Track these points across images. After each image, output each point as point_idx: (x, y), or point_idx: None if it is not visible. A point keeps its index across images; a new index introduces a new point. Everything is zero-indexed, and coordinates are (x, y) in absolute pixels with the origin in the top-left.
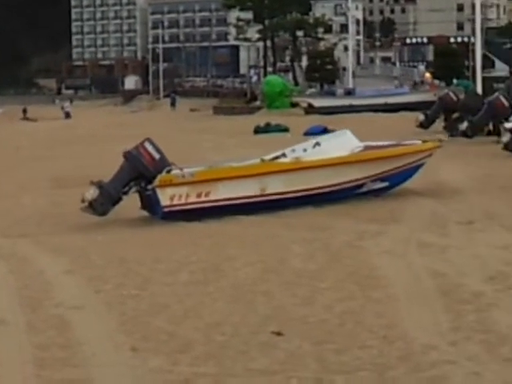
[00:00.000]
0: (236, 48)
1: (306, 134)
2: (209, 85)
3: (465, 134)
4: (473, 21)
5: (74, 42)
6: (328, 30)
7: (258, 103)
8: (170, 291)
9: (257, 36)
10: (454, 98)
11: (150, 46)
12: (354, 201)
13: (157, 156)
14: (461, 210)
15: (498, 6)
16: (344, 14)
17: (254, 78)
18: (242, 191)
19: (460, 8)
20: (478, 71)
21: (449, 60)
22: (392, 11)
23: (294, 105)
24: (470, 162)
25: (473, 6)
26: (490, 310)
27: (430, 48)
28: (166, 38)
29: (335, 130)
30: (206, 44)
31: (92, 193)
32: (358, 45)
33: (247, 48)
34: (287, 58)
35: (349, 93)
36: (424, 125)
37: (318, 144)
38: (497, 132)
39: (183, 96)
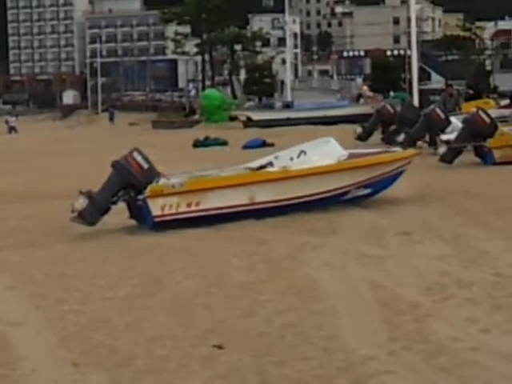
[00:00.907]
0: (174, 62)
1: (244, 147)
2: (147, 99)
3: (402, 145)
4: (409, 34)
5: (11, 57)
6: (266, 43)
7: (196, 117)
8: (111, 306)
9: (195, 50)
10: (391, 110)
11: (87, 61)
12: (294, 213)
13: (145, 166)
14: (398, 222)
15: (433, 19)
16: (281, 28)
17: (193, 92)
18: (232, 200)
19: (396, 21)
20: (415, 84)
21: (386, 73)
22: (329, 25)
23: (233, 118)
24: (406, 173)
25: (408, 20)
26: (427, 321)
27: (367, 61)
28: (104, 53)
29: (274, 143)
30: (144, 58)
31: (81, 202)
32: (296, 58)
33: (185, 62)
34: (225, 72)
35: (287, 106)
36: (362, 137)
37: (303, 152)
38: (433, 143)
39: (122, 110)
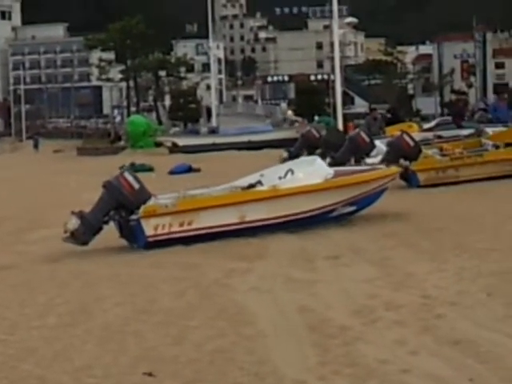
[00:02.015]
0: (99, 88)
1: (171, 172)
2: (72, 126)
3: None
4: (332, 59)
5: None
6: (190, 69)
7: (122, 143)
8: (38, 335)
9: (119, 76)
10: (316, 134)
11: (11, 88)
12: (222, 238)
13: (136, 186)
14: (326, 245)
15: (355, 44)
16: (205, 53)
17: (118, 118)
18: (223, 219)
19: (319, 46)
20: (339, 108)
21: (310, 97)
22: (253, 50)
23: (159, 144)
24: None
25: (331, 45)
26: (356, 344)
27: (292, 86)
28: (28, 80)
29: (200, 168)
30: (68, 85)
31: (74, 223)
32: (221, 83)
33: (110, 88)
34: (150, 98)
35: (212, 131)
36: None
37: (291, 171)
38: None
39: (46, 137)
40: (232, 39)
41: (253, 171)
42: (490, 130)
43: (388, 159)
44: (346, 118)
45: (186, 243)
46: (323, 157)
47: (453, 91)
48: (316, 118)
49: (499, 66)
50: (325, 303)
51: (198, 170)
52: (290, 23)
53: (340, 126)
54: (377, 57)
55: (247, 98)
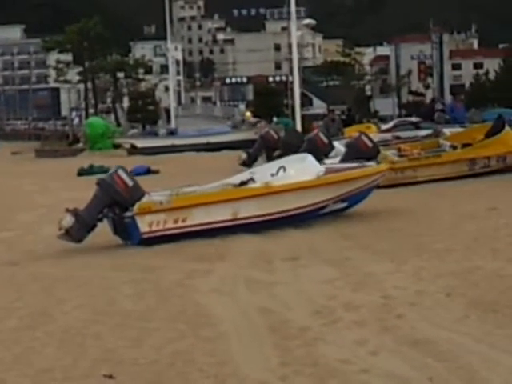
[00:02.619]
0: (56, 90)
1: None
2: (30, 128)
3: None
4: (290, 60)
5: None
6: (148, 70)
7: (80, 145)
8: None
9: (77, 78)
10: (275, 135)
11: None
12: (182, 240)
13: (130, 183)
14: (285, 247)
15: (313, 45)
16: (164, 55)
17: (76, 120)
18: (216, 216)
19: (277, 48)
20: (297, 109)
21: (268, 98)
22: (211, 52)
23: (117, 146)
24: None
25: (289, 46)
26: (316, 344)
27: (250, 87)
28: None
29: (159, 170)
30: (25, 87)
31: (68, 220)
32: (179, 85)
33: (68, 90)
34: (108, 100)
35: (171, 133)
36: (247, 163)
37: (282, 168)
38: None
39: (4, 139)
40: (190, 41)
41: (212, 172)
42: (447, 131)
43: (346, 160)
44: (304, 119)
45: (179, 239)
46: (282, 158)
47: (410, 92)
48: (274, 119)
49: (456, 67)
50: (285, 304)
51: (156, 172)
52: (248, 25)
53: (298, 128)
54: (335, 58)
55: (206, 99)
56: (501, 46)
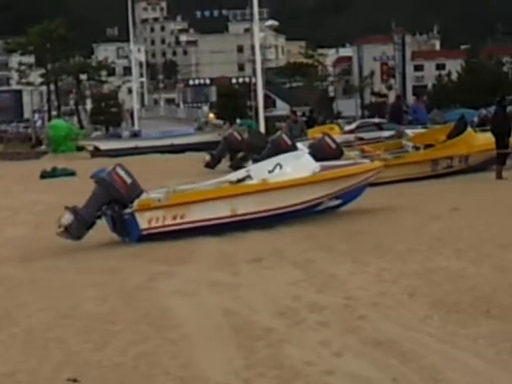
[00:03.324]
0: (19, 92)
1: (92, 176)
2: None
3: None
4: (253, 62)
5: None
6: (111, 72)
7: (43, 148)
8: None
9: (40, 80)
10: (239, 137)
11: None
12: (145, 242)
13: (129, 181)
14: (249, 248)
15: (276, 47)
16: (126, 57)
17: (39, 123)
18: (214, 213)
19: (240, 49)
20: (261, 111)
21: (231, 100)
22: (174, 53)
23: (80, 148)
24: None
25: (252, 48)
26: (281, 346)
27: (213, 89)
28: None
29: None
30: None
31: (67, 218)
32: (142, 87)
33: (30, 92)
34: (71, 102)
35: (135, 135)
36: (210, 164)
37: (279, 165)
38: None
39: None
40: (153, 42)
41: (176, 174)
42: (410, 132)
43: None
44: (267, 120)
45: (178, 236)
46: (245, 159)
47: (373, 93)
48: (238, 120)
49: (418, 68)
50: (249, 306)
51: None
52: (211, 26)
53: (262, 129)
54: (298, 59)
55: (169, 101)
56: (462, 47)
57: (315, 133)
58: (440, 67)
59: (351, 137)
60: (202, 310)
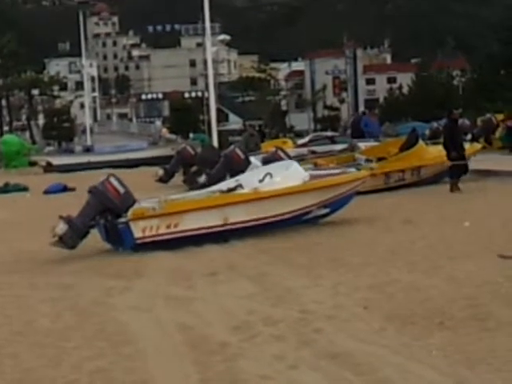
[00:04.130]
0: None
1: (45, 192)
2: None
3: (204, 186)
4: (206, 76)
5: None
6: (63, 87)
7: None
8: None
9: None
10: (192, 151)
11: None
12: (100, 257)
13: (122, 190)
14: (204, 262)
15: (228, 61)
16: (79, 72)
17: None
18: (207, 221)
19: (192, 64)
20: (213, 125)
21: (184, 114)
22: (126, 68)
23: (33, 163)
24: None
25: (205, 62)
26: (236, 360)
27: (166, 103)
28: None
29: (75, 187)
30: None
31: (61, 227)
32: (95, 102)
33: None
34: (23, 117)
35: (87, 150)
36: (164, 179)
37: (269, 174)
38: None
39: None
40: (105, 57)
41: (130, 188)
42: (362, 145)
43: None
44: (220, 134)
45: (172, 245)
46: (199, 174)
47: (325, 107)
48: (191, 135)
49: (370, 81)
50: (204, 320)
51: (73, 189)
52: (163, 41)
53: (215, 143)
54: (250, 74)
55: (122, 116)
56: (413, 60)
57: (268, 146)
58: (391, 81)
59: (304, 150)
60: (158, 324)
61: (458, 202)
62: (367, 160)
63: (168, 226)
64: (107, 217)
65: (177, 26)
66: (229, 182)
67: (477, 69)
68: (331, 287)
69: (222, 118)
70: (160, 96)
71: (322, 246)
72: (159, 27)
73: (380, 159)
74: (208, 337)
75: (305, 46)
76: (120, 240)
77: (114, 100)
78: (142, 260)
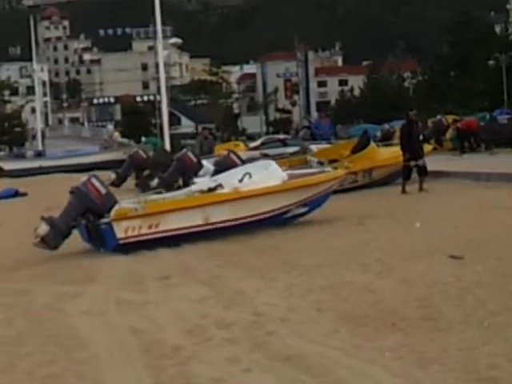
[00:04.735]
0: None
1: None
2: None
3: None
4: (157, 79)
5: None
6: (14, 92)
7: None
8: None
9: None
10: (144, 155)
11: None
12: (53, 262)
13: (103, 191)
14: (156, 266)
15: (180, 64)
16: (30, 76)
17: None
18: (188, 221)
19: (144, 67)
20: (166, 128)
21: (136, 118)
22: (78, 72)
23: None
24: None
25: (156, 65)
26: (189, 363)
27: (118, 107)
28: None
29: (27, 192)
30: None
31: (44, 228)
32: (46, 106)
33: None
34: None
35: (39, 154)
36: (116, 183)
37: (248, 174)
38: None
39: None
40: (56, 61)
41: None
42: (314, 147)
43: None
44: (173, 138)
45: (155, 245)
46: (151, 177)
47: (277, 110)
48: (143, 139)
49: (321, 84)
50: (157, 324)
51: (24, 195)
52: (115, 44)
53: (167, 147)
54: (202, 77)
55: (73, 120)
56: (364, 63)
57: (220, 150)
58: (343, 83)
59: (256, 153)
60: (110, 329)
61: (410, 203)
62: (319, 162)
63: (150, 226)
64: (89, 217)
65: (128, 30)
66: (208, 182)
67: (427, 71)
68: (284, 289)
69: (174, 121)
70: (112, 100)
71: (275, 248)
72: (110, 31)
73: (332, 161)
74: (161, 341)
75: (256, 48)
76: (102, 241)
77: (65, 104)
78: (95, 264)
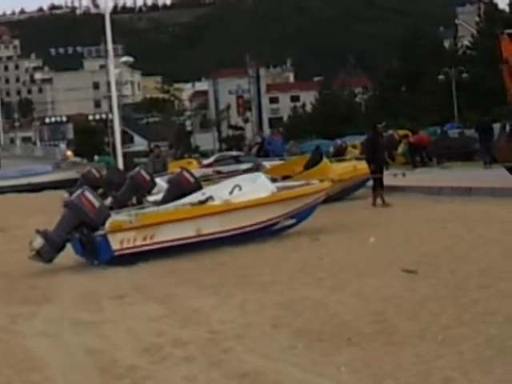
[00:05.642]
0: None
1: None
2: None
3: (111, 209)
4: (109, 98)
5: None
6: None
7: None
8: None
9: None
10: (97, 174)
11: None
12: (7, 283)
13: (97, 204)
14: (111, 285)
15: (132, 82)
16: None
17: None
18: (181, 233)
19: (96, 86)
20: (118, 147)
21: (89, 137)
22: (29, 91)
23: None
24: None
25: (108, 84)
26: (145, 383)
27: (70, 126)
28: None
29: None
30: None
31: (38, 241)
32: None
33: None
34: None
35: None
36: None
37: (238, 187)
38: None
39: None
40: (7, 81)
41: (36, 212)
42: (267, 164)
43: (169, 196)
44: (125, 156)
45: (149, 257)
46: (105, 196)
47: (230, 126)
48: (96, 157)
49: (273, 100)
50: (113, 343)
51: None
52: (66, 63)
53: (120, 165)
54: (154, 95)
55: (25, 139)
56: (316, 78)
57: (174, 167)
58: (295, 99)
59: (209, 170)
60: (66, 350)
61: (364, 218)
62: (272, 179)
63: (144, 238)
64: (83, 230)
65: (79, 49)
66: (198, 195)
67: (378, 86)
68: (239, 306)
69: (127, 139)
70: (64, 119)
71: (229, 265)
72: (61, 50)
73: (285, 178)
74: (117, 360)
75: (208, 66)
76: (96, 253)
77: (17, 124)
78: (50, 285)
